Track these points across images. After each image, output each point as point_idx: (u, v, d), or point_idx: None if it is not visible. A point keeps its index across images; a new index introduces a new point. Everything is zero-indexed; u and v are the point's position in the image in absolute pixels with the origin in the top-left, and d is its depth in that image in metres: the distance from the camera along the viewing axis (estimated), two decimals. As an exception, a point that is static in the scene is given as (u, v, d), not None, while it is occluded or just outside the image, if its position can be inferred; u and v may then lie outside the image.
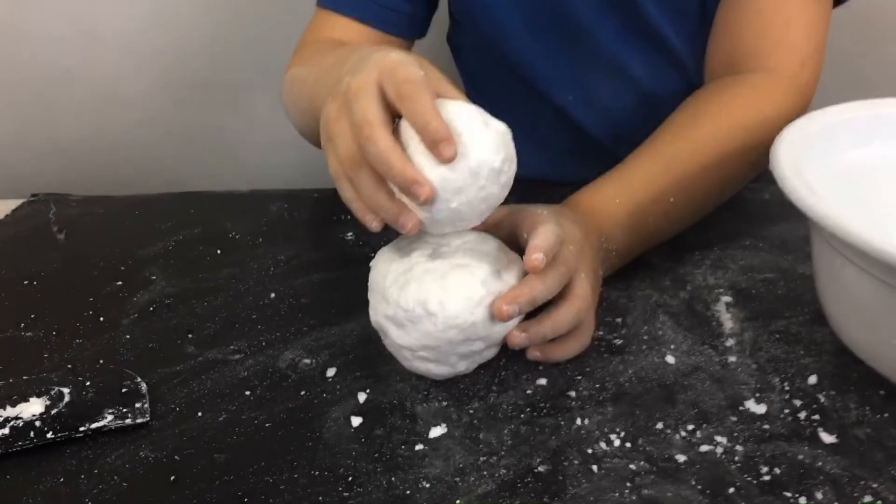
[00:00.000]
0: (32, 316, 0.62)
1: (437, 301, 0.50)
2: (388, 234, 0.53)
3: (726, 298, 0.62)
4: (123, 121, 1.11)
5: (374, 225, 0.50)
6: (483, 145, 0.48)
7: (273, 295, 0.64)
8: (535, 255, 0.49)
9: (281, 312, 0.62)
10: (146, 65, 1.08)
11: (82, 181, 1.08)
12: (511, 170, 0.50)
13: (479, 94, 0.89)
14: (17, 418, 0.50)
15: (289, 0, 1.04)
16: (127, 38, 1.06)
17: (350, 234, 0.72)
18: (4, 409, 0.51)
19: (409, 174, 0.46)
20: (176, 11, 1.05)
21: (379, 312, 0.53)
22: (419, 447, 0.49)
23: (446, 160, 0.46)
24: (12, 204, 0.80)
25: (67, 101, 1.09)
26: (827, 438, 0.48)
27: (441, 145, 0.46)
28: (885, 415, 0.50)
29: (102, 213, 0.78)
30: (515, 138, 0.56)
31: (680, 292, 0.63)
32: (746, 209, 0.73)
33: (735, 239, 0.69)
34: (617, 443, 0.49)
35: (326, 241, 0.72)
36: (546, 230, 0.51)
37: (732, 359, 0.55)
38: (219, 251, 0.71)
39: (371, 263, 0.55)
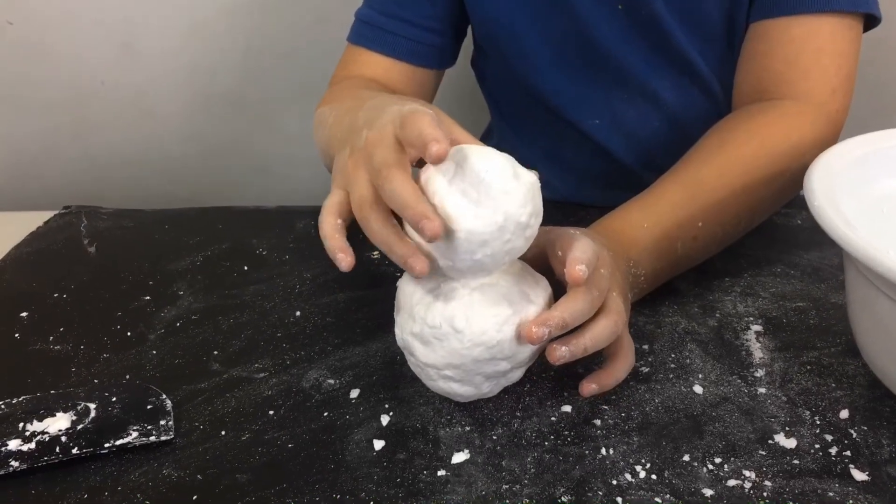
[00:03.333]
0: (61, 329, 0.63)
1: (464, 318, 0.49)
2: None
3: (756, 327, 0.61)
4: (156, 134, 1.13)
5: (344, 264, 0.50)
6: (512, 200, 0.47)
7: (298, 313, 0.64)
8: (579, 267, 0.49)
9: (306, 331, 0.62)
10: (179, 79, 1.09)
11: (114, 193, 1.09)
12: (537, 223, 0.49)
13: (504, 118, 0.89)
14: (43, 433, 0.51)
15: (321, 18, 1.05)
16: (161, 52, 1.08)
17: (376, 252, 0.72)
18: (31, 424, 0.52)
19: (421, 209, 0.46)
20: (210, 28, 1.06)
21: (405, 330, 0.53)
22: (441, 473, 0.48)
23: (428, 239, 0.45)
24: (45, 215, 0.81)
25: (101, 113, 1.11)
26: (858, 476, 0.47)
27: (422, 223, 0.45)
28: (920, 453, 0.49)
29: (133, 226, 0.79)
30: (541, 161, 0.55)
31: (709, 320, 0.62)
32: (778, 235, 0.72)
33: (766, 266, 0.68)
34: (642, 474, 0.48)
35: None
36: (585, 244, 0.51)
37: (762, 390, 0.54)
38: (246, 267, 0.71)
39: (398, 282, 0.55)
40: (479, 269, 0.50)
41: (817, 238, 0.70)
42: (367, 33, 0.79)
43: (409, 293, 0.53)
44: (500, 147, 0.51)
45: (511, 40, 0.78)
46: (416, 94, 0.80)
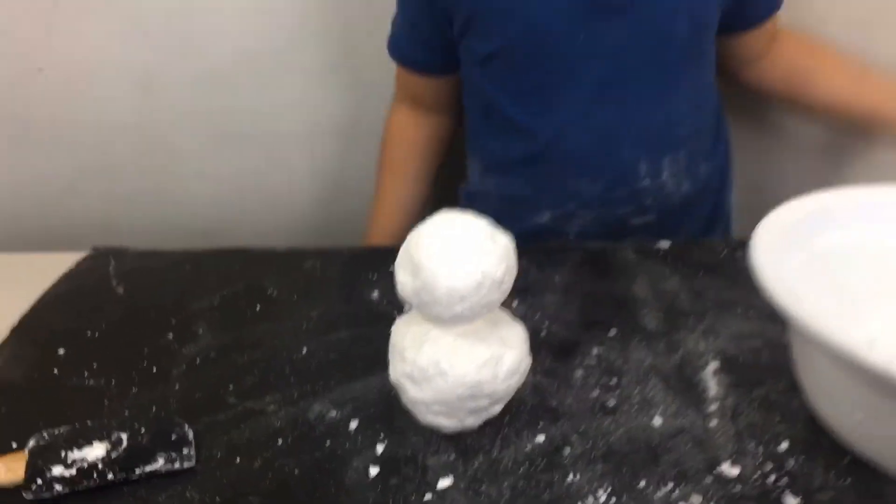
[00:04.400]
0: (95, 365, 0.71)
1: (448, 362, 0.57)
2: (406, 305, 0.60)
3: (714, 364, 0.68)
4: (175, 172, 1.20)
5: None
6: (489, 260, 0.55)
7: (305, 350, 0.72)
8: None
9: (311, 367, 0.70)
10: (197, 119, 1.17)
11: (136, 229, 1.18)
12: (511, 278, 0.57)
13: (470, 122, 0.91)
14: (82, 460, 0.58)
15: (332, 65, 1.12)
16: (178, 93, 1.16)
17: (376, 293, 0.80)
18: (72, 452, 0.59)
19: None
20: (224, 73, 1.14)
21: (397, 371, 0.60)
22: (428, 497, 0.56)
23: None
24: (73, 255, 0.89)
25: (122, 153, 1.19)
26: (791, 501, 0.54)
27: None
28: (848, 480, 0.55)
29: (156, 267, 0.87)
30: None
31: (672, 356, 0.69)
32: (740, 278, 0.79)
33: (729, 307, 0.75)
34: (603, 498, 0.55)
35: (355, 299, 0.79)
36: None
37: (714, 423, 0.61)
38: (258, 307, 0.79)
39: (393, 326, 0.62)
40: (460, 319, 0.57)
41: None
42: (395, 53, 0.90)
43: (401, 337, 0.60)
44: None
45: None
46: (446, 97, 0.91)
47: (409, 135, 0.93)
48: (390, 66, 0.97)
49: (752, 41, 0.85)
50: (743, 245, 0.84)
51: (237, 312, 0.78)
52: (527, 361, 0.61)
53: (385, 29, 0.95)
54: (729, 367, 0.67)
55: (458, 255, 0.55)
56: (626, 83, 0.75)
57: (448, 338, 0.58)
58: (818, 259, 0.62)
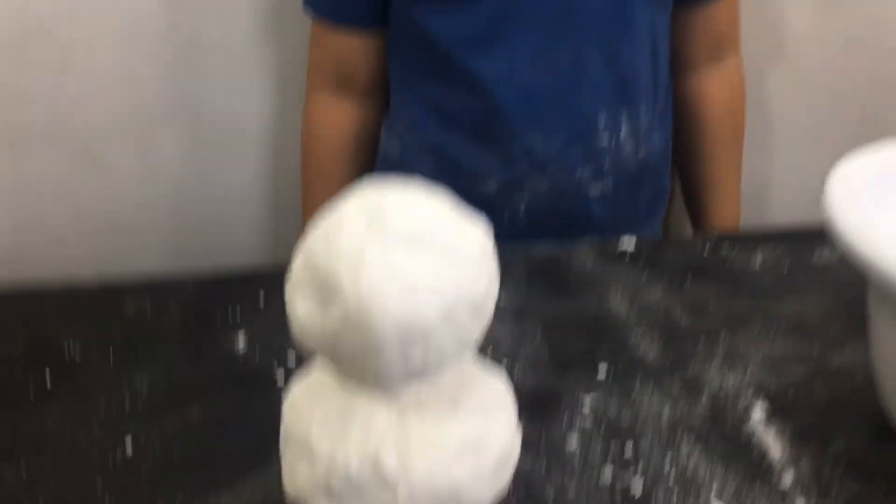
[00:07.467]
0: None
1: (395, 454, 0.33)
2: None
3: (760, 408, 0.47)
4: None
5: None
6: (459, 270, 0.33)
7: (130, 445, 0.44)
8: None
9: (141, 474, 0.43)
10: None
11: None
12: (493, 296, 0.35)
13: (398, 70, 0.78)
14: None
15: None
16: None
17: (242, 342, 0.53)
18: None
19: None
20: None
21: (300, 476, 0.35)
22: None
23: None
24: None
25: None
26: None
27: None
28: None
29: None
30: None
31: (697, 400, 0.48)
32: (744, 281, 0.60)
33: (742, 322, 0.55)
34: None
35: (208, 354, 0.52)
36: None
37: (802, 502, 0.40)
38: (48, 379, 0.50)
39: (286, 397, 0.37)
40: (413, 376, 0.33)
41: (785, 282, 0.58)
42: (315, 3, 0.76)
43: (304, 416, 0.35)
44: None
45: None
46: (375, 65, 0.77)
47: (335, 125, 0.79)
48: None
49: (693, 28, 0.80)
50: (728, 240, 0.66)
51: (11, 391, 0.49)
52: (517, 440, 0.37)
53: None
54: (781, 409, 0.47)
55: (411, 263, 0.31)
56: (581, 19, 0.70)
57: (390, 414, 0.34)
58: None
